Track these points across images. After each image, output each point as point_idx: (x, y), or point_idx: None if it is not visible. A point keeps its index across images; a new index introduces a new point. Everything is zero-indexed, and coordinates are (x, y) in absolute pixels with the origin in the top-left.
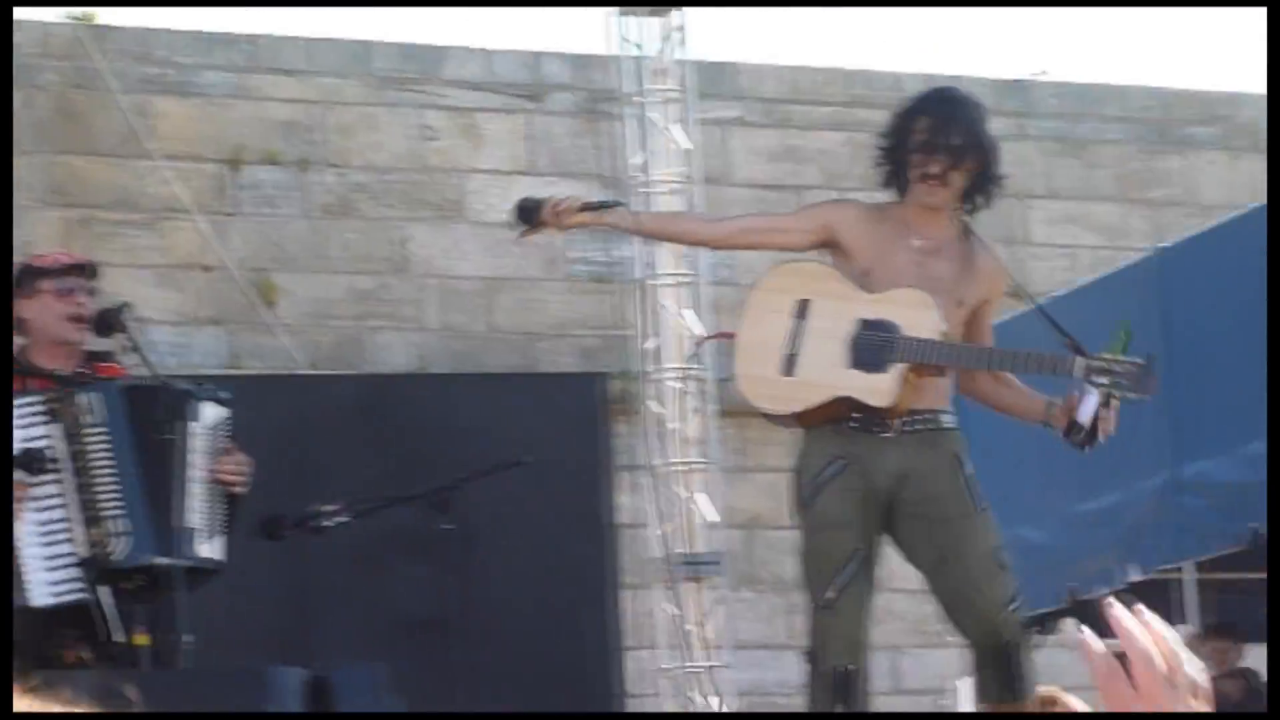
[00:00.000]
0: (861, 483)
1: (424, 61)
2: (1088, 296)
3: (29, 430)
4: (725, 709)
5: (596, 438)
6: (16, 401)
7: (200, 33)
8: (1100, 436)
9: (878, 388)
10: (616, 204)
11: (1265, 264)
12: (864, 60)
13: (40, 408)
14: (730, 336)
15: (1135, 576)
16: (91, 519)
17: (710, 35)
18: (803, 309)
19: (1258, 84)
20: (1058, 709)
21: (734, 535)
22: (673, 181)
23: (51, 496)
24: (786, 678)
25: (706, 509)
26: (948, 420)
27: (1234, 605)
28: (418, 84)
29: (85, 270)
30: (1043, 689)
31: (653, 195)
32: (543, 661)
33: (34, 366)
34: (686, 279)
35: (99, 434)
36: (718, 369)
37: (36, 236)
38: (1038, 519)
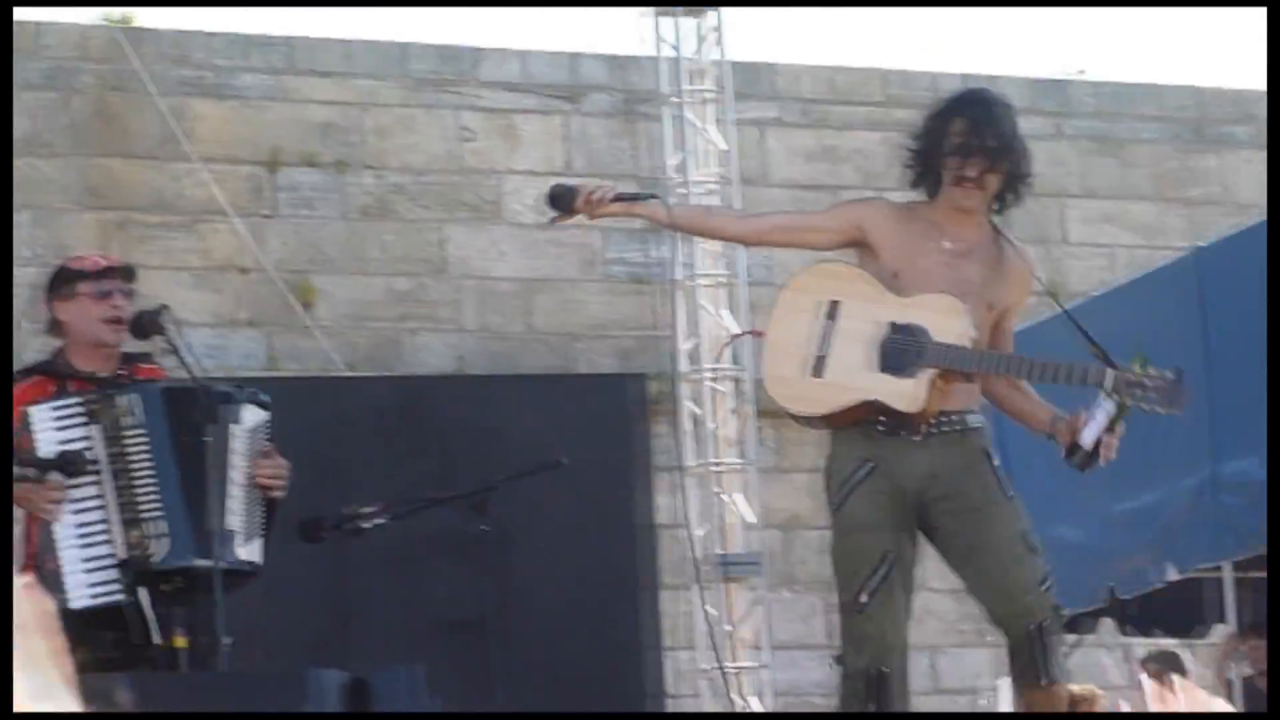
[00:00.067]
0: (890, 485)
1: (461, 63)
2: (1125, 296)
3: (68, 432)
4: (763, 709)
5: (634, 438)
6: (55, 404)
7: (237, 35)
8: (1101, 461)
9: (906, 392)
10: (650, 196)
11: None
12: (901, 60)
13: (79, 409)
14: (760, 334)
15: (1173, 576)
16: (130, 521)
17: (747, 36)
18: (833, 310)
19: None
20: (1094, 708)
21: (772, 535)
22: (710, 182)
23: (90, 498)
24: (824, 678)
25: (744, 509)
26: (974, 420)
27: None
28: (455, 85)
29: (123, 272)
30: (1079, 687)
31: (690, 196)
32: (579, 661)
33: (72, 369)
34: (724, 280)
35: (138, 436)
36: (755, 369)
37: (74, 239)
38: (1076, 518)
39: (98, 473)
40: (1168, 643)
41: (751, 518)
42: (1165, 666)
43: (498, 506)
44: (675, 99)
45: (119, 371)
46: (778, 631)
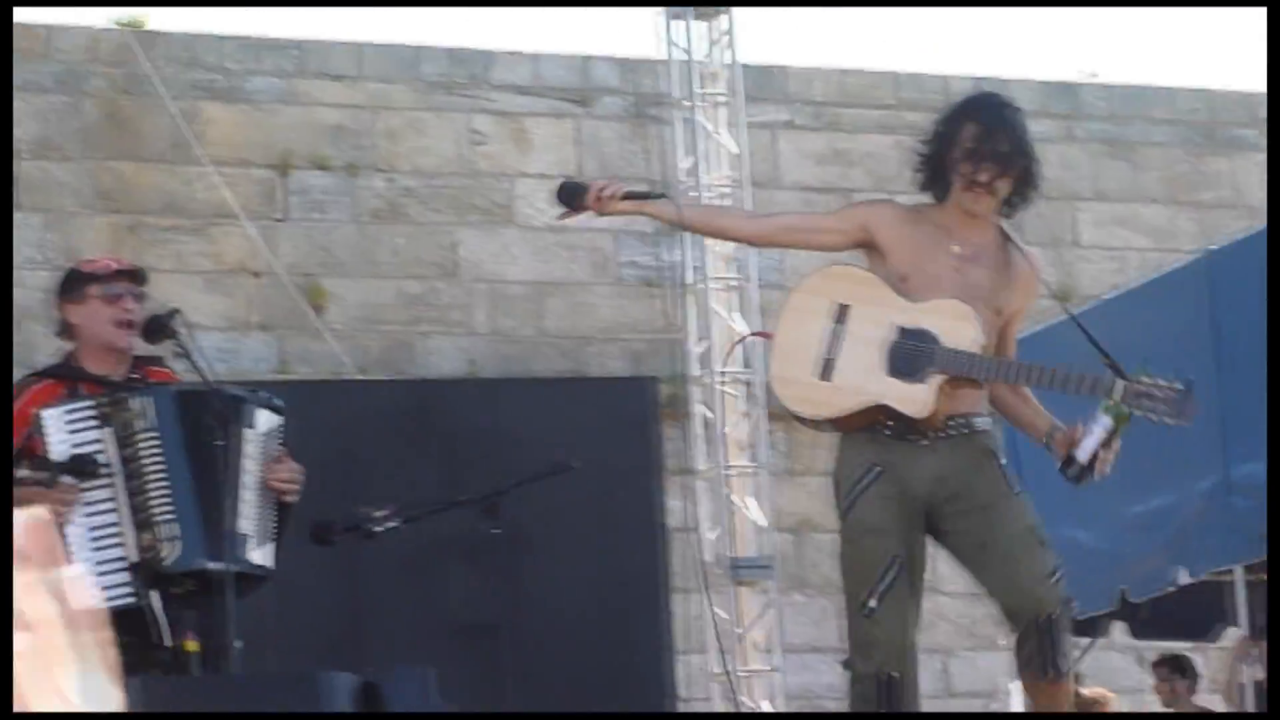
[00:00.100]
0: (898, 489)
1: (472, 66)
2: (1136, 299)
3: (80, 435)
4: (775, 712)
5: (646, 442)
6: (67, 407)
7: (248, 38)
8: (1096, 475)
9: (915, 398)
10: (660, 195)
11: None
12: (912, 63)
13: (91, 412)
14: (769, 336)
15: (1185, 579)
16: (142, 524)
17: (758, 39)
18: (842, 313)
19: None
20: (1105, 709)
21: (783, 539)
22: (722, 185)
23: (102, 501)
24: (835, 681)
25: (756, 513)
26: (980, 423)
27: None
28: (466, 89)
29: (134, 275)
30: (1091, 690)
31: (702, 199)
32: (593, 665)
33: (84, 372)
34: (735, 283)
35: (151, 439)
36: (766, 372)
37: (85, 242)
38: (1087, 521)
39: (110, 475)
40: (1180, 646)
41: (763, 521)
42: (1175, 670)
43: (509, 510)
44: (687, 102)
45: (130, 375)
46: (789, 635)
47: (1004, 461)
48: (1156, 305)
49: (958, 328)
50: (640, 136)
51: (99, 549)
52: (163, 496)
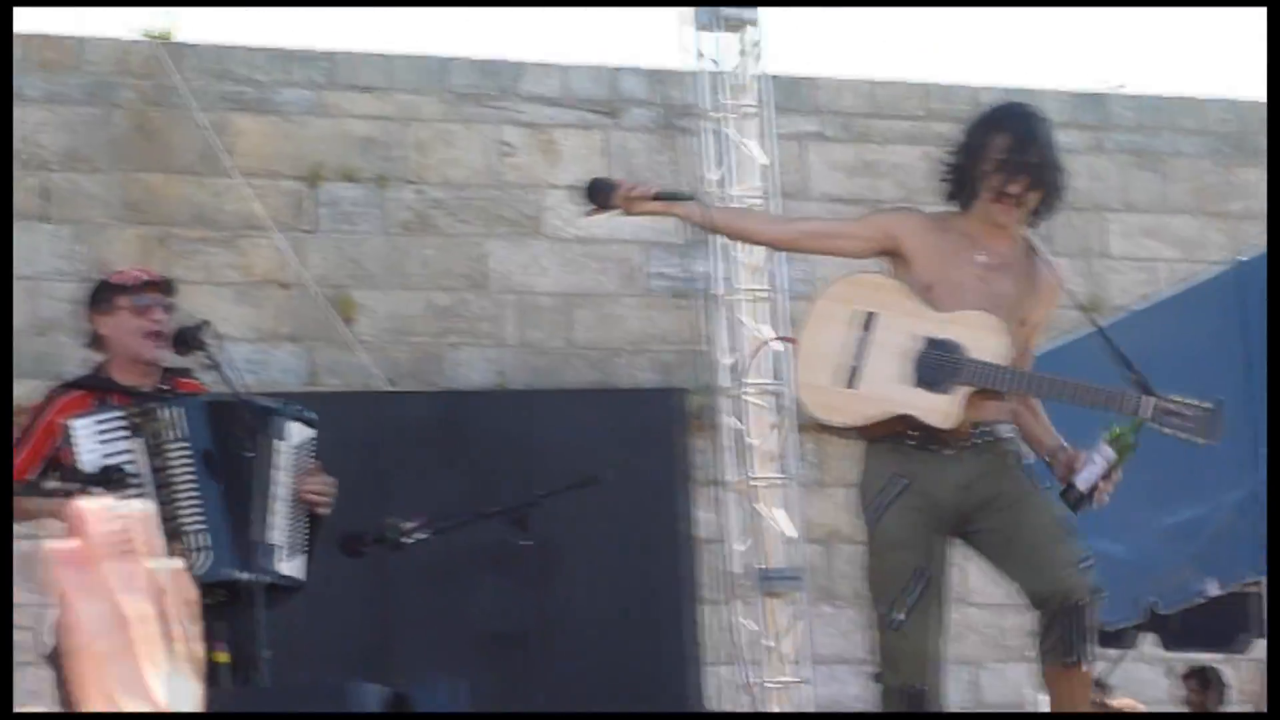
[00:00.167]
0: (923, 500)
1: (501, 77)
2: (1166, 311)
3: (111, 445)
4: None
5: (675, 453)
6: (98, 417)
7: (278, 50)
8: (1094, 505)
9: (940, 409)
10: (689, 196)
11: None
12: (941, 74)
13: (122, 423)
14: (793, 341)
15: (1214, 591)
16: (172, 534)
17: (787, 50)
18: (869, 321)
19: None
20: None
21: (812, 550)
22: (751, 197)
23: None
24: (863, 693)
25: (785, 524)
26: (1004, 431)
27: None
28: (495, 100)
29: (163, 286)
30: (1119, 700)
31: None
32: (622, 676)
33: (113, 383)
34: (764, 294)
35: (181, 449)
36: (796, 384)
37: (114, 254)
38: (1117, 532)
39: (140, 486)
40: (1209, 657)
41: (792, 532)
42: (1204, 681)
43: (538, 521)
44: (715, 114)
45: (160, 386)
46: (818, 646)
47: (1029, 463)
48: (1186, 316)
49: (985, 339)
50: (669, 148)
51: None
52: (193, 507)
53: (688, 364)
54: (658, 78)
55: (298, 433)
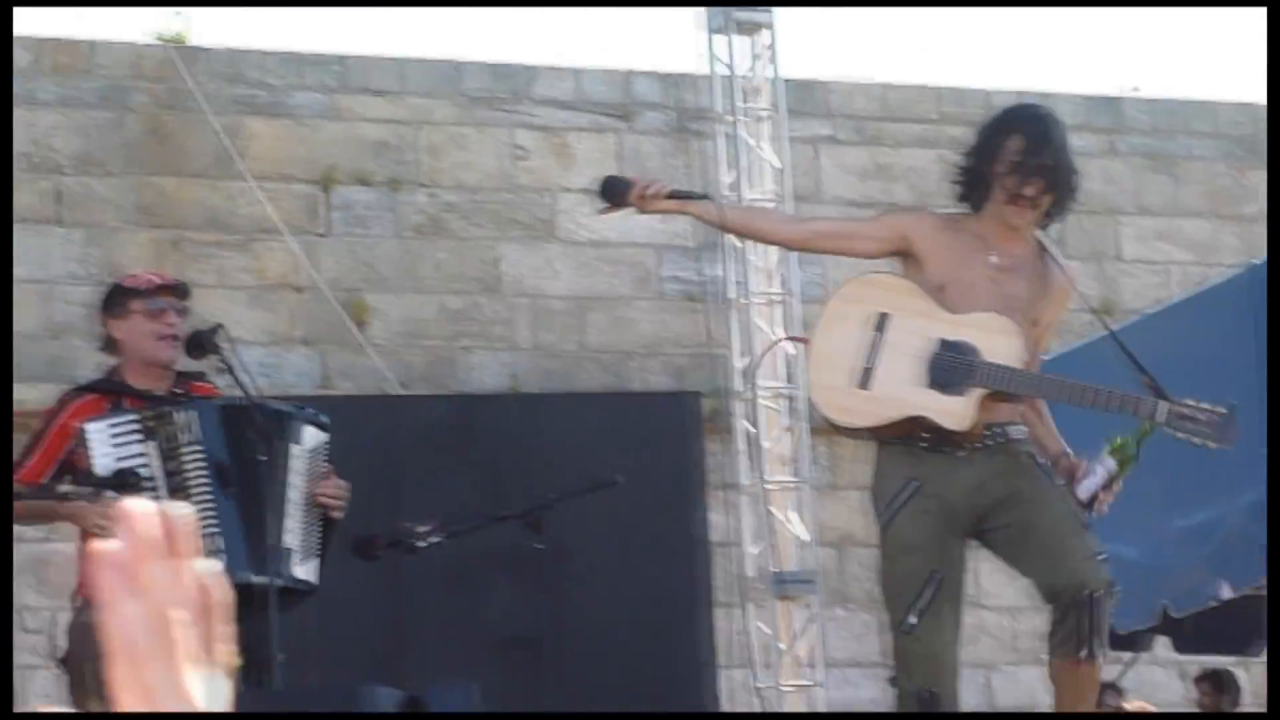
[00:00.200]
0: (936, 503)
1: (514, 81)
2: (1180, 314)
3: (124, 449)
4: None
5: (688, 456)
6: (111, 420)
7: (291, 53)
8: (1094, 514)
9: (954, 410)
10: (703, 196)
11: None
12: (955, 77)
13: (135, 426)
14: (804, 341)
15: (1227, 594)
16: None
17: (801, 54)
18: (882, 322)
19: None
20: None
21: (826, 553)
22: (764, 200)
23: None
24: (878, 696)
25: (798, 527)
26: (1016, 432)
27: None
28: (508, 103)
29: (177, 290)
30: (1132, 704)
31: None
32: (635, 679)
33: (127, 386)
34: (778, 297)
35: (195, 452)
36: (809, 387)
37: (127, 258)
38: (1130, 535)
39: (153, 489)
40: (1222, 660)
41: (805, 535)
42: (1217, 685)
43: (552, 524)
44: (729, 117)
45: (173, 390)
46: (831, 649)
47: (1042, 461)
48: (1199, 319)
49: (999, 341)
50: (682, 151)
51: None
52: (207, 510)
53: (701, 367)
54: (671, 81)
55: (311, 436)
